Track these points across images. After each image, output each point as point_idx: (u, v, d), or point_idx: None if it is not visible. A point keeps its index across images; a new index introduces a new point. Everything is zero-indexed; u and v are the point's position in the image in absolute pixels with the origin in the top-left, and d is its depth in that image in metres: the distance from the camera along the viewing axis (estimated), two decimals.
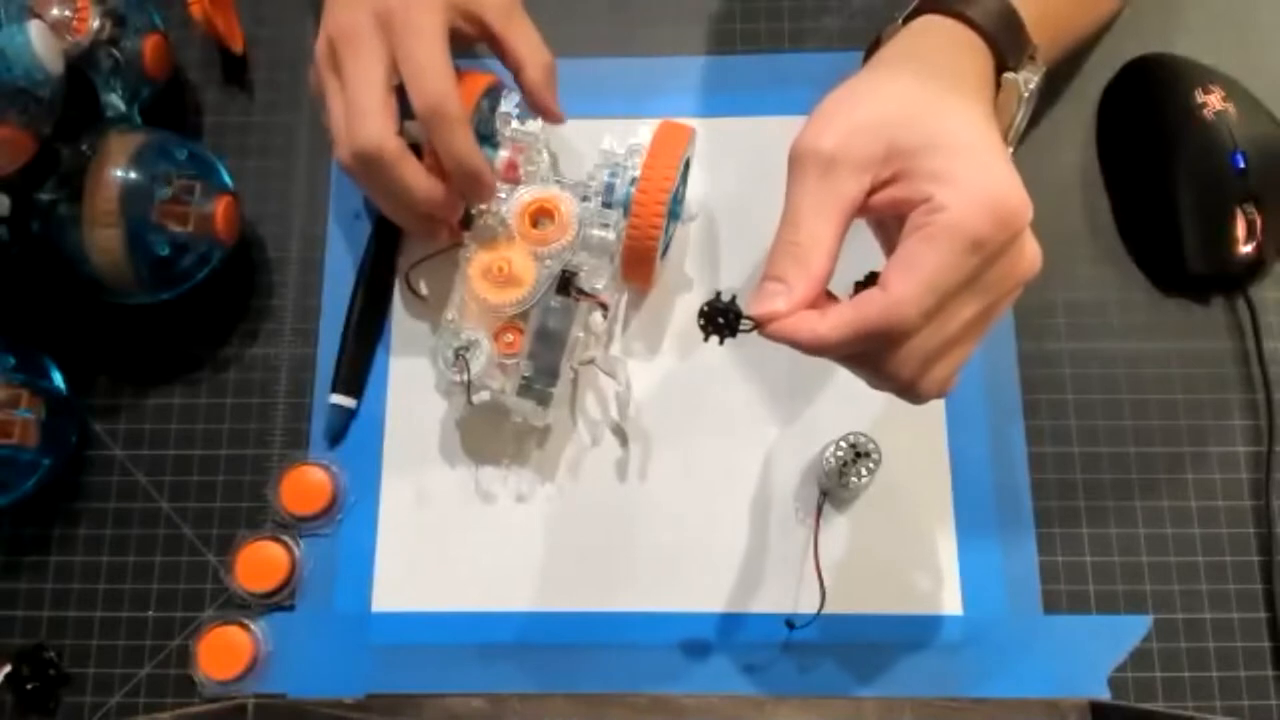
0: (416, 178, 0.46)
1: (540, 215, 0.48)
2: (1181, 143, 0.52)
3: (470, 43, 0.49)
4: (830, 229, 0.36)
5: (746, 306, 0.36)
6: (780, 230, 0.37)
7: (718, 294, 0.37)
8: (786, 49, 0.58)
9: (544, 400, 0.48)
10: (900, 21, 0.45)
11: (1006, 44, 0.43)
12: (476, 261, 0.47)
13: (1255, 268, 0.52)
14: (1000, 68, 0.43)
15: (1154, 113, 0.53)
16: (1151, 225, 0.54)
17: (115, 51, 0.51)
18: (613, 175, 0.49)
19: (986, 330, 0.38)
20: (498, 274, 0.47)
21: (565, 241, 0.48)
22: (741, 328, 0.36)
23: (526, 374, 0.47)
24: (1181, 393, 0.52)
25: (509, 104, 0.51)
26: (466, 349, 0.46)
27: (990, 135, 0.37)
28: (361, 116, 0.45)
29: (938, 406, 0.52)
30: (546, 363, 0.47)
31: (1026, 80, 0.44)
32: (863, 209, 0.37)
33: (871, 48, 0.50)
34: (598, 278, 0.48)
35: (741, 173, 0.55)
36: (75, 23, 0.49)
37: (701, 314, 0.37)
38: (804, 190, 0.36)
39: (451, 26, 0.46)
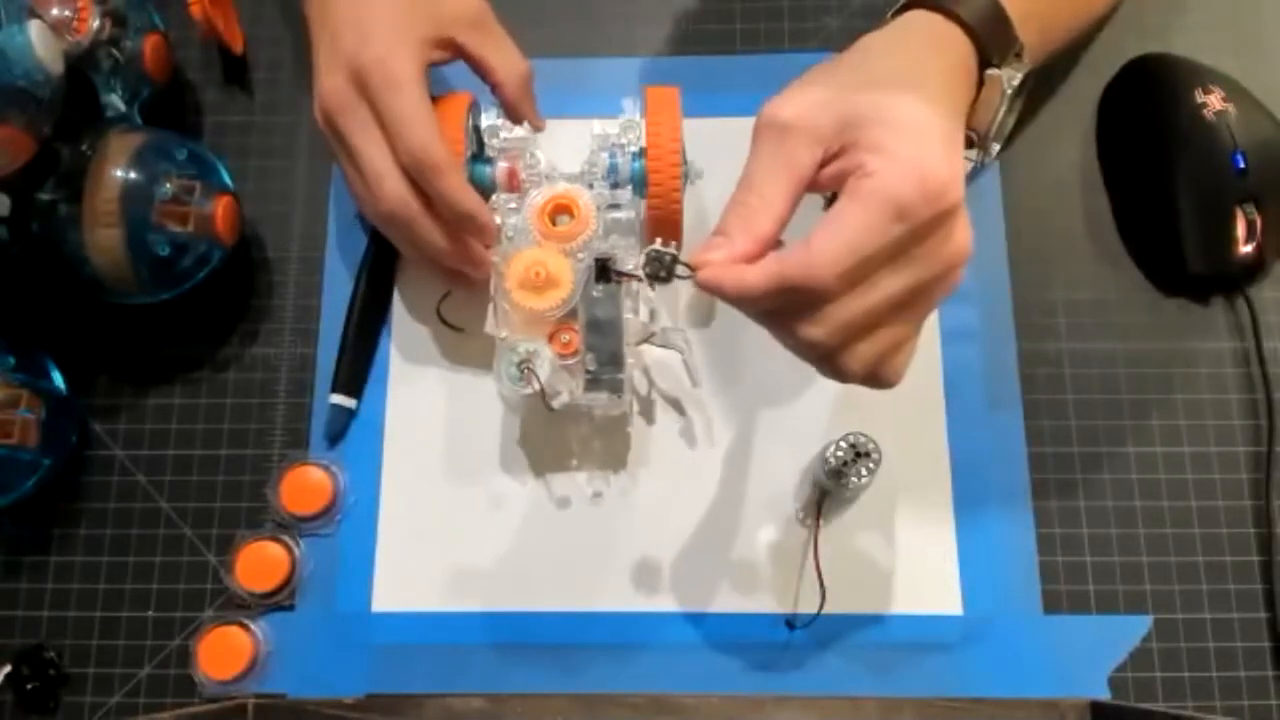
0: (433, 233, 0.47)
1: (558, 213, 0.48)
2: (1181, 143, 0.52)
3: (446, 63, 0.50)
4: (780, 193, 0.37)
5: (693, 256, 0.38)
6: (735, 192, 0.38)
7: (659, 242, 0.39)
8: (786, 49, 0.58)
9: (616, 388, 0.47)
10: (890, 15, 0.45)
11: (991, 40, 0.43)
12: (510, 275, 0.47)
13: (1255, 268, 0.52)
14: (984, 64, 0.43)
15: (1154, 113, 0.53)
16: (1151, 225, 0.54)
17: (115, 51, 0.51)
18: (612, 156, 0.49)
19: (918, 318, 0.38)
20: (535, 280, 0.46)
21: (591, 231, 0.48)
22: (678, 274, 0.38)
23: (591, 368, 0.47)
24: (1181, 393, 0.52)
25: (490, 116, 0.51)
26: (529, 360, 0.46)
27: (938, 121, 0.37)
28: (377, 182, 0.46)
29: (937, 406, 0.52)
30: (607, 352, 0.47)
31: (1010, 77, 0.44)
32: (814, 183, 0.38)
33: None
34: (631, 257, 0.48)
35: (740, 173, 0.55)
36: (75, 23, 0.49)
37: (645, 259, 0.39)
38: (760, 156, 0.38)
39: (427, 62, 0.47)
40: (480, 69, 0.50)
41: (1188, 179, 0.52)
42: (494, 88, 0.50)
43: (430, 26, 0.48)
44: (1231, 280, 0.53)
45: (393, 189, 0.46)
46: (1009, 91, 0.44)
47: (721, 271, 0.37)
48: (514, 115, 0.51)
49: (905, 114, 0.37)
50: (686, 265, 0.38)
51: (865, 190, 0.36)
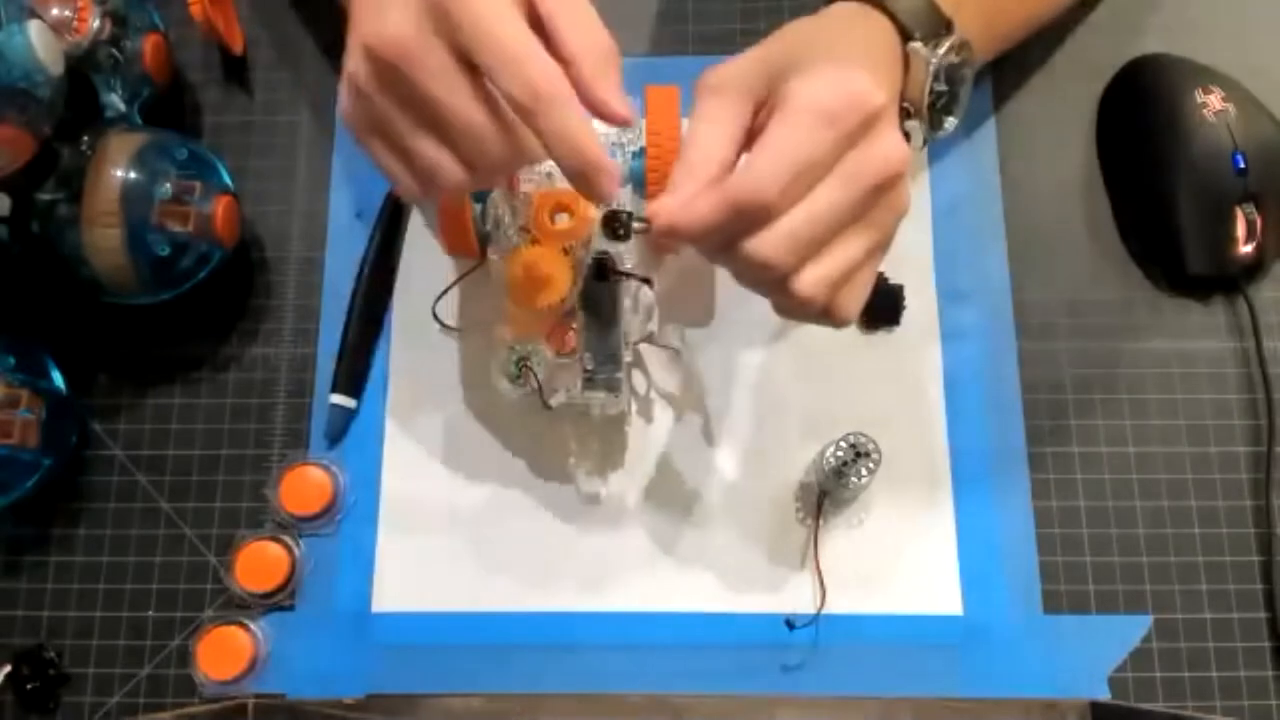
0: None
1: (556, 211, 0.48)
2: (1181, 143, 0.52)
3: None
4: (718, 143, 0.39)
5: (646, 210, 0.40)
6: (682, 149, 0.39)
7: (615, 206, 0.42)
8: None
9: (613, 387, 0.47)
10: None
11: (914, 20, 0.44)
12: (508, 273, 0.47)
13: (1255, 268, 0.52)
14: (907, 41, 0.45)
15: (1154, 113, 0.53)
16: (1151, 225, 0.54)
17: (115, 51, 0.51)
18: (611, 155, 0.49)
19: (869, 242, 0.39)
20: (533, 278, 0.46)
21: (589, 230, 0.48)
22: (635, 228, 0.41)
23: (589, 367, 0.47)
24: (1181, 393, 0.52)
25: None
26: (527, 359, 0.46)
27: (860, 59, 0.41)
28: (480, 142, 0.37)
29: (937, 406, 0.52)
30: (605, 351, 0.47)
31: (931, 54, 0.45)
32: (752, 132, 0.40)
33: None
34: (629, 256, 0.48)
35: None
36: (75, 23, 0.49)
37: (602, 221, 0.42)
38: (696, 115, 0.40)
39: None
40: (552, 38, 0.37)
41: (1188, 179, 0.52)
42: (565, 66, 0.37)
43: None
44: (1231, 280, 0.53)
45: (498, 149, 0.37)
46: (933, 64, 0.45)
47: (670, 212, 0.38)
48: (587, 101, 0.38)
49: (826, 55, 0.40)
50: (641, 219, 0.40)
51: (792, 106, 0.37)
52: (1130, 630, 0.49)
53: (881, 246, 0.40)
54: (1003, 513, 0.51)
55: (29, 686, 0.49)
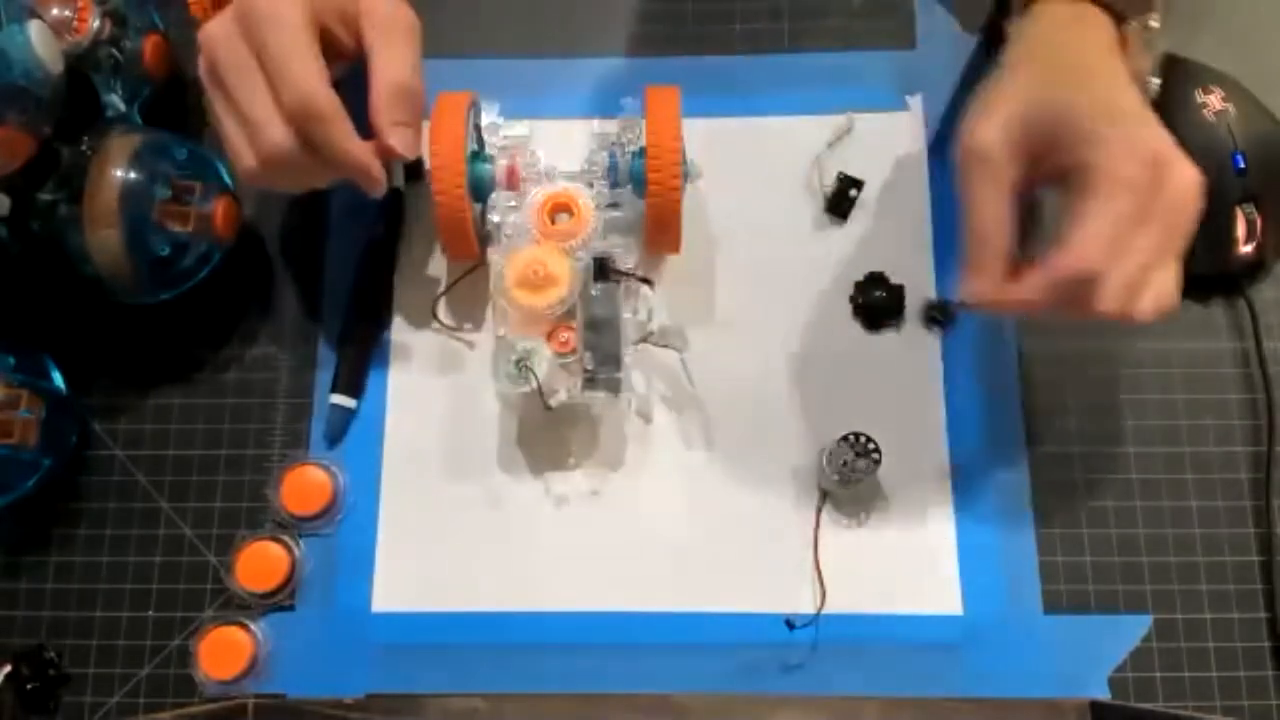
0: (318, 177, 0.46)
1: (557, 211, 0.48)
2: (1181, 143, 0.52)
3: (347, 58, 0.46)
4: (1000, 210, 0.43)
5: (956, 294, 0.45)
6: (965, 221, 0.43)
7: (928, 300, 0.49)
8: (786, 49, 0.58)
9: (613, 387, 0.47)
10: (1019, 12, 0.47)
11: (1129, 8, 0.45)
12: (509, 273, 0.47)
13: (1255, 268, 0.52)
14: (1121, 23, 0.45)
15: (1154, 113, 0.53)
16: None
17: (115, 51, 0.51)
18: (612, 155, 0.49)
19: (1179, 247, 0.42)
20: (534, 278, 0.46)
21: (590, 230, 0.48)
22: (958, 310, 0.46)
23: (589, 367, 0.47)
24: (1181, 393, 0.52)
25: (490, 114, 0.51)
26: (527, 358, 0.46)
27: (1113, 92, 0.43)
28: (258, 130, 0.43)
29: (937, 407, 0.52)
30: (605, 351, 0.47)
31: (1145, 23, 0.46)
32: (1032, 184, 0.43)
33: (988, 28, 0.53)
34: (630, 256, 0.48)
35: (740, 173, 0.55)
36: (75, 23, 0.49)
37: (923, 314, 0.49)
38: (971, 184, 0.43)
39: (320, 21, 0.44)
40: (368, 71, 0.45)
41: None
42: (370, 98, 0.45)
43: None
44: (1231, 280, 0.53)
45: (275, 136, 0.43)
46: (1148, 36, 0.46)
47: (995, 295, 0.43)
48: (372, 123, 0.45)
49: (1097, 101, 0.42)
50: (961, 304, 0.45)
51: (1092, 183, 0.41)
52: (1130, 630, 0.49)
53: (1179, 246, 0.42)
54: (1003, 513, 0.50)
55: (29, 686, 0.49)
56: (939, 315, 0.48)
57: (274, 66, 0.43)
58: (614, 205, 0.48)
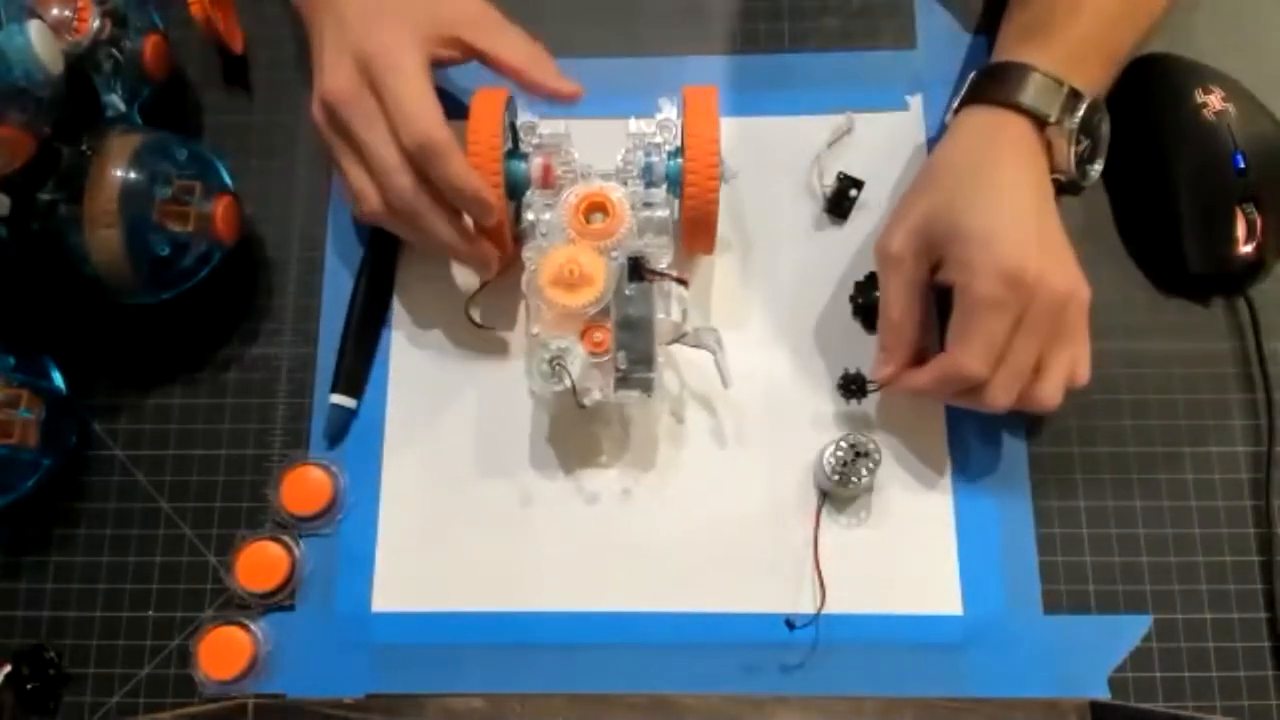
0: (442, 227, 0.48)
1: (592, 210, 0.48)
2: (1181, 143, 0.52)
3: (459, 63, 0.50)
4: (911, 305, 0.49)
5: (870, 373, 0.50)
6: (881, 311, 0.49)
7: (846, 370, 0.51)
8: (786, 49, 0.58)
9: (646, 387, 0.47)
10: (952, 112, 0.51)
11: (1043, 105, 0.48)
12: (543, 272, 0.47)
13: (1255, 268, 0.52)
14: (1044, 126, 0.48)
15: (1154, 113, 0.53)
16: (1151, 225, 0.54)
17: (115, 51, 0.51)
18: (648, 154, 0.49)
19: (1072, 340, 0.47)
20: (569, 277, 0.46)
21: (625, 229, 0.47)
22: (869, 389, 0.50)
23: (622, 366, 0.47)
24: (1181, 393, 0.52)
25: (526, 113, 0.50)
26: (560, 357, 0.46)
27: (999, 214, 0.46)
28: (385, 176, 0.47)
29: (937, 407, 0.52)
30: (639, 351, 0.47)
31: (1070, 122, 0.48)
32: (932, 283, 0.49)
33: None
34: (664, 256, 0.48)
35: (741, 173, 0.55)
36: (75, 23, 0.49)
37: (839, 384, 0.51)
38: (885, 280, 0.49)
39: (433, 57, 0.48)
40: (492, 64, 0.51)
41: (1188, 179, 0.52)
42: (516, 79, 0.50)
43: (430, 25, 0.48)
44: (1231, 280, 0.53)
45: (401, 182, 0.46)
46: (1072, 129, 0.48)
47: (901, 382, 0.49)
48: (547, 96, 0.51)
49: (977, 228, 0.46)
50: (873, 382, 0.50)
51: (965, 302, 0.46)
52: (1130, 630, 0.49)
53: (1071, 340, 0.47)
54: (1003, 513, 0.51)
55: (29, 686, 0.49)
56: (854, 387, 0.50)
57: (397, 112, 0.46)
58: (649, 205, 0.48)
